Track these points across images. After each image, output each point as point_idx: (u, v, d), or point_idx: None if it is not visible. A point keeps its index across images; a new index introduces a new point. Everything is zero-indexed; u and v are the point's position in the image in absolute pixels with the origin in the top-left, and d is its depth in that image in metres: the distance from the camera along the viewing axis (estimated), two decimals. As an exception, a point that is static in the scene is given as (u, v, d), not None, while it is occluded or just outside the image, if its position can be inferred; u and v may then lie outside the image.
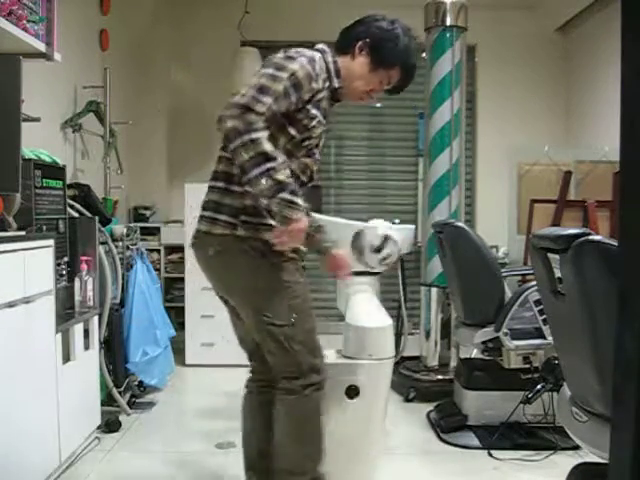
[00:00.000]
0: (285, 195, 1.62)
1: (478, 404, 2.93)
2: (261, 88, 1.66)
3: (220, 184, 1.83)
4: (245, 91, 1.65)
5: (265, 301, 1.79)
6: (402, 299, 3.86)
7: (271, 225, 1.72)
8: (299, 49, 1.79)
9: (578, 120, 5.20)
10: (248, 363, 2.03)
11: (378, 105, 5.59)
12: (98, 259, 2.88)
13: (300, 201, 1.66)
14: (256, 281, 1.80)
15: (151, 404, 3.35)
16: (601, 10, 4.56)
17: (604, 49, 4.56)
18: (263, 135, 1.61)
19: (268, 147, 1.61)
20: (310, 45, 1.86)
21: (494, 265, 2.94)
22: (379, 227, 2.27)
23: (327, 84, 1.84)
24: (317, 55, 1.81)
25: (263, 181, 1.60)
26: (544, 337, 2.72)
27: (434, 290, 3.71)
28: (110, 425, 2.90)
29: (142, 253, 3.46)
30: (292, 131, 1.77)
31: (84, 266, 2.73)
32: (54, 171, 2.62)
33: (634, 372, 0.80)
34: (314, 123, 1.79)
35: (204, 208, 1.87)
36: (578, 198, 4.28)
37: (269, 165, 1.61)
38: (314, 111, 1.78)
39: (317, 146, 1.89)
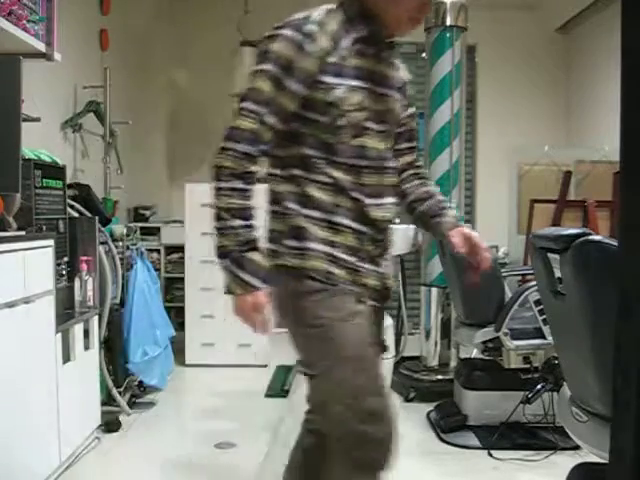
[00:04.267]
0: (228, 264, 1.36)
1: (478, 404, 2.93)
2: (244, 96, 1.38)
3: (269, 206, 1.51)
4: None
5: (297, 345, 1.47)
6: (402, 299, 3.86)
7: (305, 249, 1.41)
8: (290, 18, 1.46)
9: (578, 120, 5.20)
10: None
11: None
12: (98, 259, 2.88)
13: (248, 277, 1.35)
14: (286, 317, 1.47)
15: (151, 404, 3.35)
16: (601, 10, 4.55)
17: (604, 49, 4.55)
18: (234, 186, 1.37)
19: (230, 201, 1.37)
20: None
21: (494, 265, 2.94)
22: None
23: (349, 37, 1.39)
24: (314, 13, 1.41)
25: (215, 238, 1.39)
26: (544, 337, 2.72)
27: (434, 290, 3.71)
28: (110, 425, 2.90)
29: (142, 253, 3.46)
30: (312, 116, 1.39)
31: (84, 266, 2.73)
32: (54, 171, 2.62)
33: (634, 372, 0.80)
34: (338, 93, 1.37)
35: None
36: (578, 198, 4.28)
37: (221, 224, 1.38)
38: (331, 79, 1.37)
39: (369, 119, 1.42)
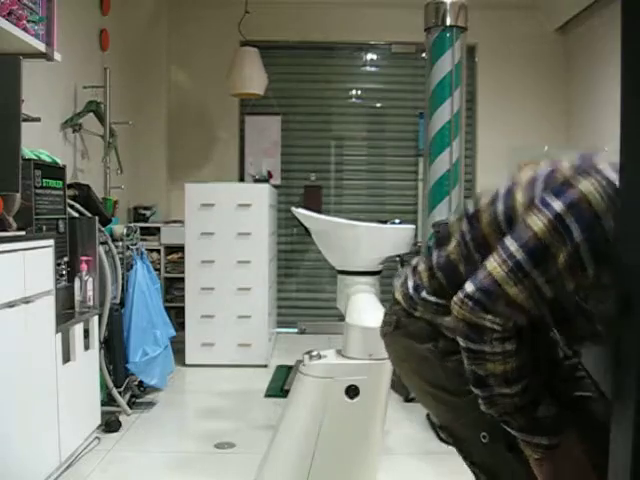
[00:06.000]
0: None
1: (478, 404, 2.93)
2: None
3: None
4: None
5: (437, 407, 1.31)
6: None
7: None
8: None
9: (578, 120, 5.20)
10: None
11: (378, 105, 5.59)
12: (98, 259, 2.88)
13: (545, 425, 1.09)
14: (426, 376, 1.29)
15: (151, 404, 3.35)
16: (601, 10, 4.55)
17: (604, 49, 4.55)
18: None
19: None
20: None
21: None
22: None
23: None
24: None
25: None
26: (544, 337, 2.72)
27: (434, 290, 3.71)
28: (110, 425, 2.90)
29: (142, 253, 3.46)
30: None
31: (84, 266, 2.73)
32: (54, 171, 2.62)
33: (634, 372, 0.80)
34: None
35: None
36: (578, 198, 4.27)
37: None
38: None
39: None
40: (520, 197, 1.13)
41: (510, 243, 1.06)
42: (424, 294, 1.27)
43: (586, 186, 1.01)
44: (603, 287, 1.02)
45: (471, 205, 1.25)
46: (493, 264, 1.07)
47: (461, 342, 1.10)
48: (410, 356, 1.30)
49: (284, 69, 5.34)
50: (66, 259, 2.66)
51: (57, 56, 2.65)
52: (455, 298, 1.10)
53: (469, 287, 1.08)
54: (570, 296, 1.08)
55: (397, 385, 3.51)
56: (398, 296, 1.33)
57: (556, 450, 1.08)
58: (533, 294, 1.04)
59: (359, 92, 5.61)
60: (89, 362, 2.75)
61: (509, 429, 1.11)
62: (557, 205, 1.02)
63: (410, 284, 1.31)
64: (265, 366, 4.15)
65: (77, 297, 2.69)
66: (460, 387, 1.19)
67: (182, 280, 4.35)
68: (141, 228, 4.10)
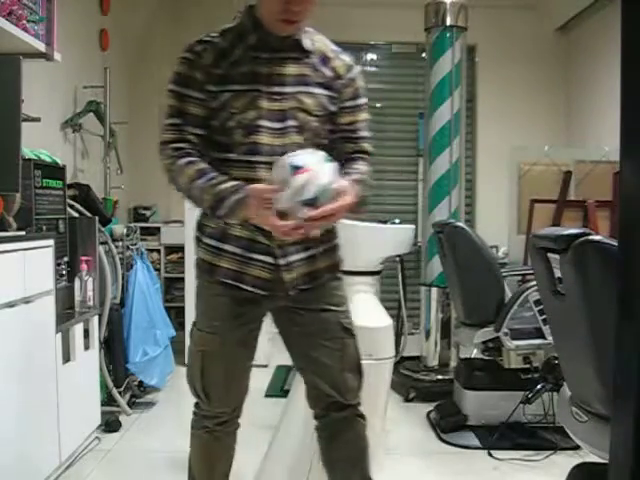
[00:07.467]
0: (221, 210, 1.48)
1: (478, 404, 2.93)
2: (164, 115, 1.60)
3: None
4: None
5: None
6: (402, 299, 3.86)
7: (201, 241, 1.65)
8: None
9: (578, 120, 5.20)
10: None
11: (378, 105, 5.59)
12: (98, 259, 2.88)
13: (231, 197, 1.45)
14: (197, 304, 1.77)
15: (151, 404, 3.35)
16: (601, 10, 4.55)
17: (604, 49, 4.55)
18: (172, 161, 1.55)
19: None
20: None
21: (494, 265, 2.94)
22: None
23: (240, 48, 1.56)
24: (210, 34, 1.60)
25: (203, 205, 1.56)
26: (544, 337, 2.72)
27: (434, 290, 3.71)
28: (110, 425, 2.91)
29: (142, 253, 3.46)
30: (210, 122, 1.56)
31: (84, 266, 2.73)
32: (54, 171, 2.62)
33: (634, 372, 0.80)
34: (222, 99, 1.53)
35: None
36: (578, 198, 4.27)
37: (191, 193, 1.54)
38: (217, 87, 1.53)
39: (262, 117, 1.53)
40: None
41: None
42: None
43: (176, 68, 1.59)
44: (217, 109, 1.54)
45: None
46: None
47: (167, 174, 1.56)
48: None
49: (284, 69, 5.34)
50: (66, 259, 2.66)
51: (57, 56, 2.65)
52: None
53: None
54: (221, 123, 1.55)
55: (397, 385, 3.52)
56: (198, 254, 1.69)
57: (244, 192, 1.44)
58: (183, 133, 1.55)
59: (359, 92, 5.60)
60: (89, 362, 2.75)
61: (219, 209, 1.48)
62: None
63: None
64: (265, 366, 4.14)
65: (77, 297, 2.69)
66: (205, 316, 1.68)
67: (182, 280, 4.34)
68: (141, 228, 4.10)
